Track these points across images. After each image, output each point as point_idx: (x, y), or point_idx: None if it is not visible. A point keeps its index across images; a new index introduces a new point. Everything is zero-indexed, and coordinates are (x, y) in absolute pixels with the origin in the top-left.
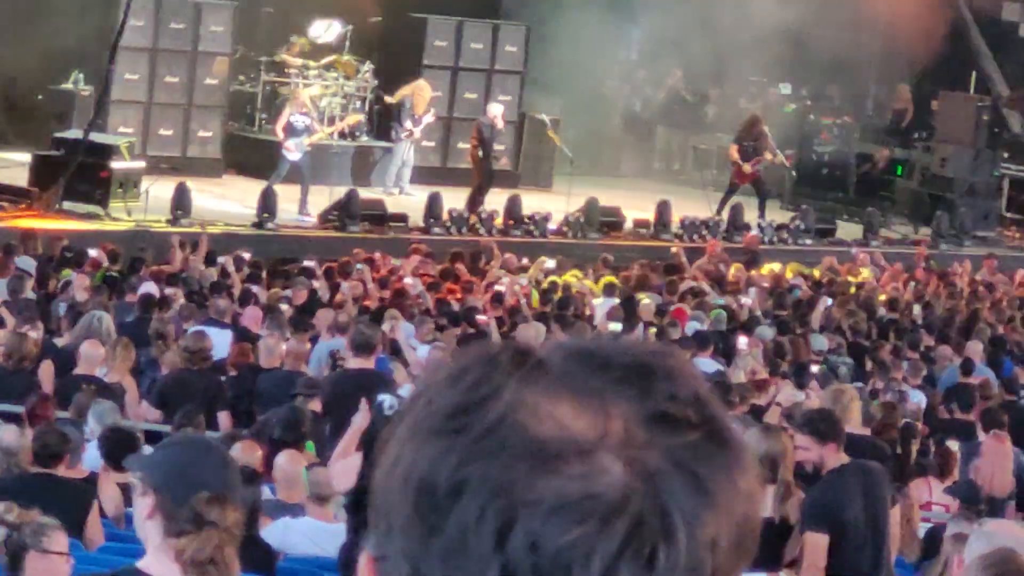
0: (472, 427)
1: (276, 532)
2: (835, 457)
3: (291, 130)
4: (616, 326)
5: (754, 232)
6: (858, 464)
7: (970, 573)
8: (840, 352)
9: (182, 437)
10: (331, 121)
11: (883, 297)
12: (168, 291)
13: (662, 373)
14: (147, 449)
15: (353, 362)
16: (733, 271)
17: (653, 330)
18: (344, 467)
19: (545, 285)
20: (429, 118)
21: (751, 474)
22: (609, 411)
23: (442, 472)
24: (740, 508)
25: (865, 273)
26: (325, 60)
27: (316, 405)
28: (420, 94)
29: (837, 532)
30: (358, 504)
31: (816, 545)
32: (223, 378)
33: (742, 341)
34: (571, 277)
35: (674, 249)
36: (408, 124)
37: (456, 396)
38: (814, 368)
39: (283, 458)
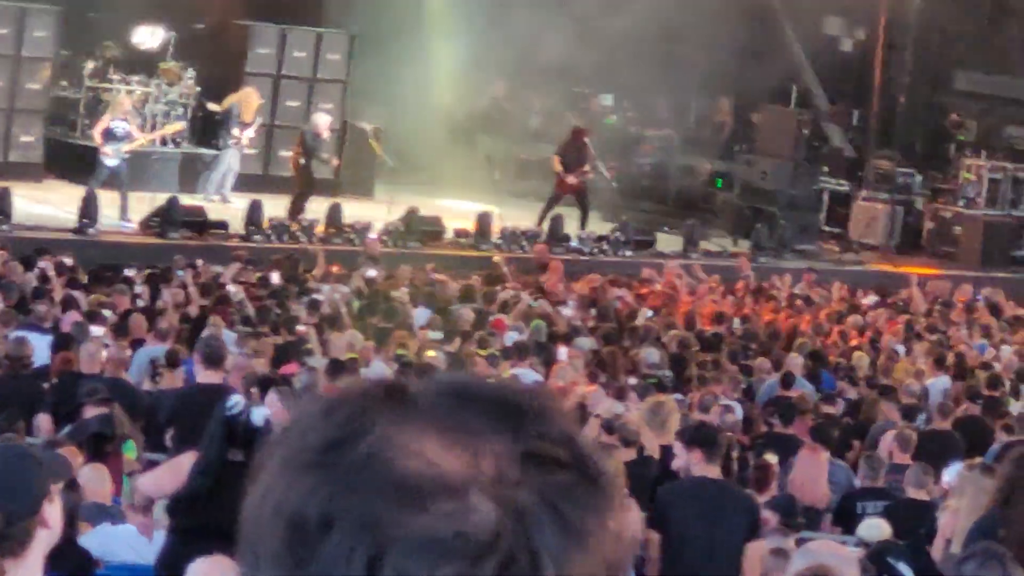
0: (343, 462)
1: (95, 539)
2: (700, 467)
3: (110, 135)
4: (436, 335)
5: (542, 243)
6: (703, 480)
7: None
8: (660, 364)
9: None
10: (153, 127)
11: (705, 310)
12: None
13: (534, 412)
14: None
15: (202, 376)
16: (551, 280)
17: (472, 341)
18: (165, 470)
19: (366, 294)
20: (256, 126)
21: (621, 516)
22: (481, 449)
23: (312, 506)
24: (610, 548)
25: (684, 284)
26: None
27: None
28: (248, 101)
29: (670, 534)
30: (177, 509)
31: (651, 542)
32: (45, 384)
33: (562, 352)
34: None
35: (496, 259)
36: (236, 131)
37: (329, 430)
38: (633, 380)
39: (87, 469)
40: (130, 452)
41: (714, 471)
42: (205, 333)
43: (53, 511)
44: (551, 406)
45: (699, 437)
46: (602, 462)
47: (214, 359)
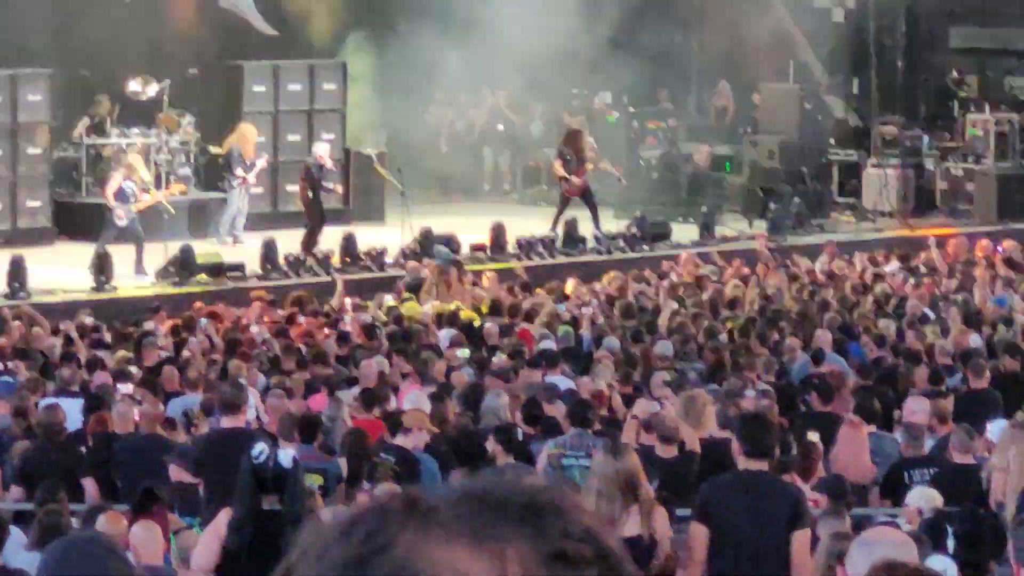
0: None
1: None
2: (743, 460)
3: (121, 195)
4: (464, 352)
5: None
6: (745, 473)
7: None
8: (690, 357)
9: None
10: (157, 179)
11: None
12: (9, 364)
13: (553, 510)
14: (14, 530)
15: (224, 421)
16: (571, 283)
17: (502, 354)
18: (208, 537)
19: (386, 318)
20: (262, 162)
21: None
22: (506, 554)
23: None
24: None
25: (705, 272)
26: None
27: (180, 474)
28: (247, 138)
29: (716, 529)
30: (223, 569)
31: (695, 536)
32: (82, 448)
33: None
34: (412, 307)
35: (517, 270)
36: (240, 171)
37: (350, 549)
38: (666, 376)
39: (139, 527)
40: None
41: (758, 464)
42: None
43: None
44: (569, 503)
45: (741, 431)
46: (625, 555)
47: (231, 405)
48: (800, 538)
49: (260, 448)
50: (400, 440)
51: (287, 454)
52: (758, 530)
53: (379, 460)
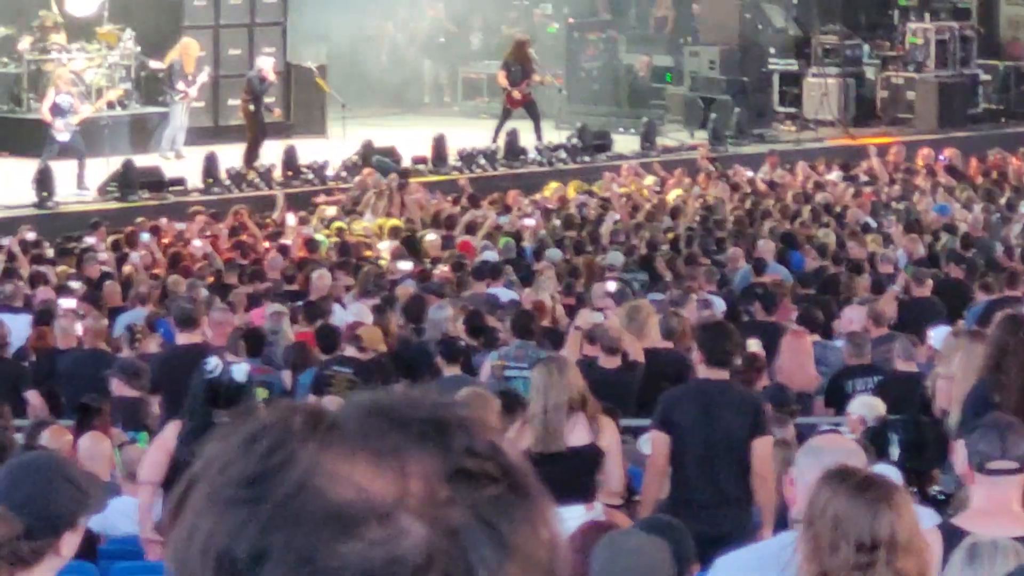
0: (269, 495)
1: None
2: (703, 368)
3: (57, 110)
4: (406, 265)
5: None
6: (705, 381)
7: (822, 496)
8: (631, 267)
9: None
10: (98, 94)
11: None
12: None
13: (458, 427)
14: None
15: (180, 337)
16: (513, 195)
17: (443, 266)
18: (155, 449)
19: (330, 232)
20: (204, 77)
21: (554, 523)
22: (408, 470)
23: (241, 543)
24: (544, 558)
25: (647, 182)
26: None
27: (123, 389)
28: (188, 53)
29: (677, 437)
30: (171, 480)
31: (656, 443)
32: (25, 363)
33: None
34: (355, 224)
35: (462, 182)
36: (181, 85)
37: (251, 464)
38: (611, 286)
39: (86, 440)
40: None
41: (718, 373)
42: (177, 294)
43: (71, 541)
44: (475, 420)
45: (701, 340)
46: (530, 472)
47: (189, 320)
48: (762, 445)
49: (214, 362)
50: (353, 353)
51: (241, 369)
52: (719, 437)
53: (333, 372)
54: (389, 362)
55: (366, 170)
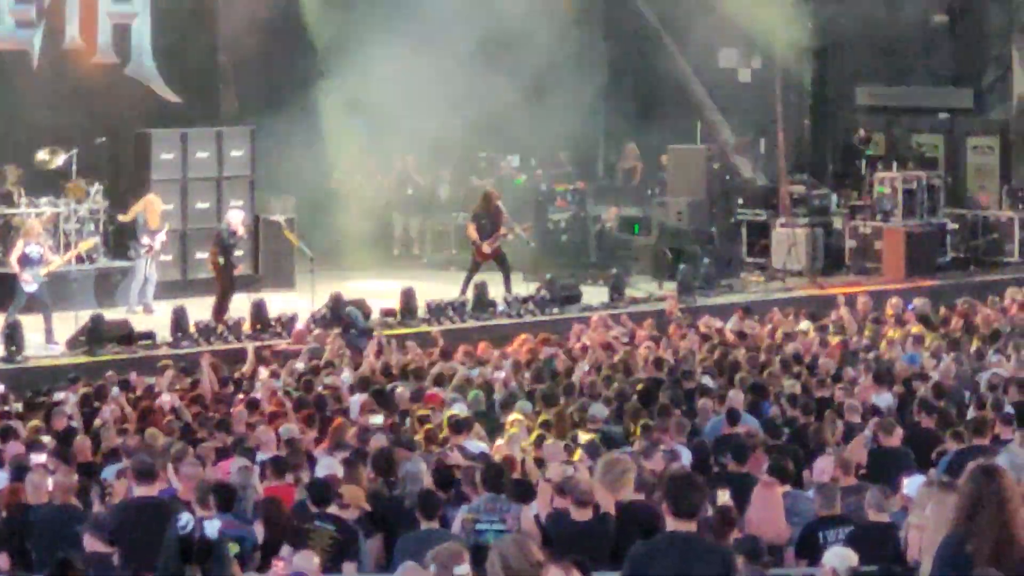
0: None
1: None
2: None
3: (26, 261)
4: (377, 419)
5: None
6: (673, 535)
7: None
8: (607, 419)
9: None
10: (67, 247)
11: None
12: None
13: None
14: None
15: (138, 490)
16: (482, 347)
17: (413, 418)
18: None
19: (299, 386)
20: (164, 231)
21: None
22: None
23: None
24: None
25: (616, 333)
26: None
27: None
28: (152, 208)
29: None
30: None
31: None
32: None
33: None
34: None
35: (433, 333)
36: (145, 239)
37: None
38: (583, 437)
39: None
40: None
41: (687, 525)
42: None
43: None
44: None
45: (669, 492)
46: None
47: (146, 473)
48: None
49: (186, 518)
50: (335, 511)
51: (213, 525)
52: None
53: (314, 528)
54: (367, 518)
55: (334, 330)
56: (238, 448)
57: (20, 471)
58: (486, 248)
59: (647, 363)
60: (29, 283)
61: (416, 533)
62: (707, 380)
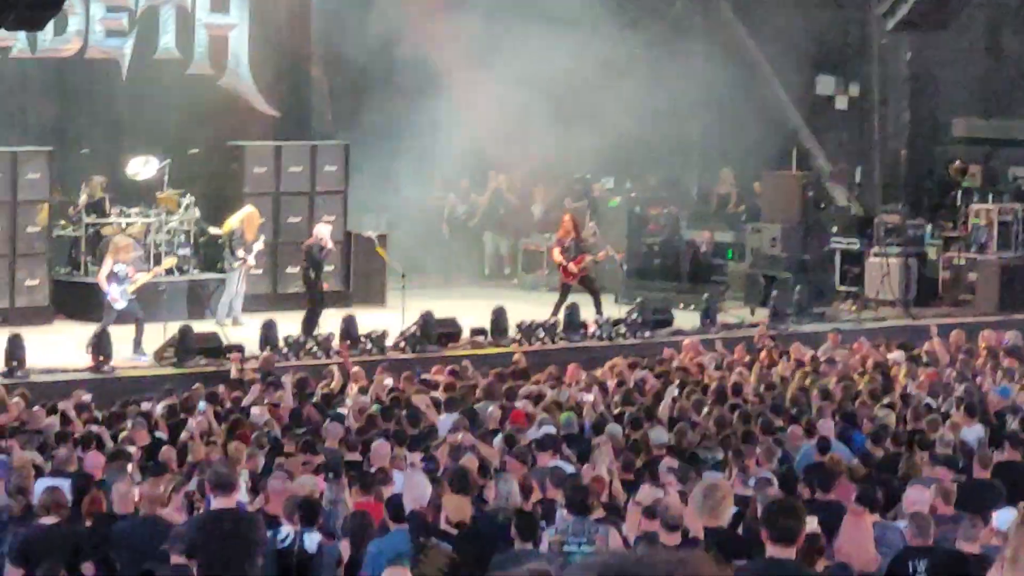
0: None
1: None
2: (769, 547)
3: (113, 279)
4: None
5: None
6: (769, 561)
7: None
8: (694, 445)
9: None
10: (156, 259)
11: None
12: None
13: None
14: None
15: (215, 502)
16: (570, 370)
17: (500, 436)
18: None
19: (386, 401)
20: (260, 244)
21: None
22: None
23: None
24: None
25: (706, 360)
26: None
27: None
28: (250, 221)
29: None
30: None
31: None
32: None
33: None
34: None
35: (516, 355)
36: (240, 252)
37: None
38: (672, 462)
39: None
40: None
41: (785, 551)
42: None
43: None
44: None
45: (767, 517)
46: None
47: (223, 484)
48: None
49: (286, 532)
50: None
51: (313, 539)
52: None
53: (431, 545)
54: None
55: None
56: (327, 463)
57: (91, 481)
58: (572, 269)
59: (739, 389)
60: (117, 301)
61: (508, 554)
62: (797, 408)
